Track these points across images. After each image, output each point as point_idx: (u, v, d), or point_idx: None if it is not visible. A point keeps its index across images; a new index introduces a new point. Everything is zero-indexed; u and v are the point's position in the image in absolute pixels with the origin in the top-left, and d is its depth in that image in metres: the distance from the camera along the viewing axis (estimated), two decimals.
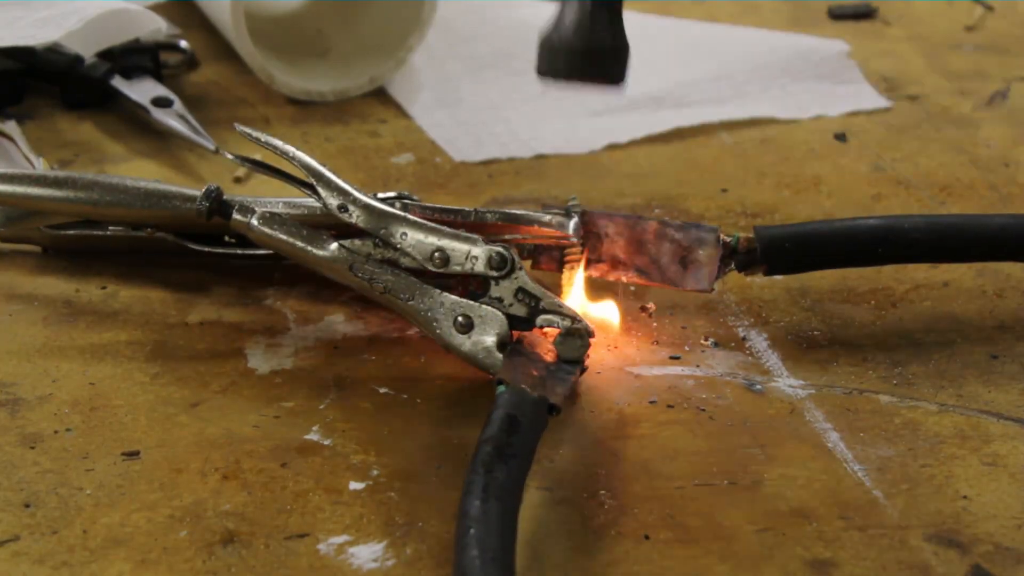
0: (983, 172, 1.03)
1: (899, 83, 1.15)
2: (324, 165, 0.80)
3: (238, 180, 0.99)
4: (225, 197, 0.82)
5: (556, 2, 0.76)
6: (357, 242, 0.79)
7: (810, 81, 1.15)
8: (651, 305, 0.86)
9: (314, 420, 0.77)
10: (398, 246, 0.79)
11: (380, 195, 0.82)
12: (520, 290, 0.79)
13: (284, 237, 0.80)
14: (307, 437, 0.76)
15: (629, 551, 0.69)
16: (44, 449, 0.75)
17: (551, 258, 0.84)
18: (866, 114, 1.11)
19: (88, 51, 1.09)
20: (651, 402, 0.79)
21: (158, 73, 1.10)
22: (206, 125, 1.03)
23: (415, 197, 0.84)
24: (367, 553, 0.69)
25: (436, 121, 1.09)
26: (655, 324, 0.85)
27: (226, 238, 0.86)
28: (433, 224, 0.79)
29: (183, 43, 1.15)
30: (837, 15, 1.26)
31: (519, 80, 1.15)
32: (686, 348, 0.83)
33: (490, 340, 0.78)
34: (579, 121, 1.08)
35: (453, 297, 0.78)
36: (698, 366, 0.82)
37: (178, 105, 1.05)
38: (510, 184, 1.01)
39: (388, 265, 0.79)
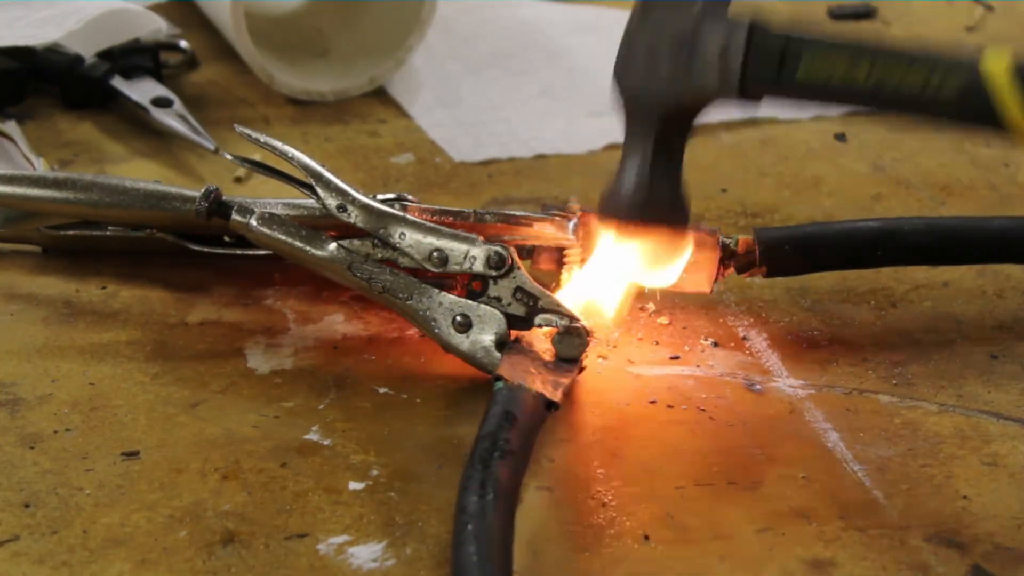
0: (983, 172, 1.03)
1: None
2: (323, 165, 0.80)
3: (238, 180, 0.99)
4: (224, 198, 0.82)
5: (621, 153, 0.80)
6: (356, 242, 0.79)
7: None
8: (650, 306, 0.86)
9: (314, 420, 0.77)
10: (397, 246, 0.79)
11: (380, 196, 0.82)
12: (519, 289, 0.79)
13: (283, 237, 0.80)
14: (307, 437, 0.76)
15: (629, 551, 0.69)
16: (44, 449, 0.75)
17: (550, 258, 0.84)
18: (866, 114, 1.11)
19: (88, 51, 1.09)
20: (651, 402, 0.79)
21: (158, 73, 1.10)
22: (206, 125, 1.03)
23: (414, 198, 0.84)
24: (367, 553, 0.69)
25: (436, 121, 1.09)
26: (655, 324, 0.85)
27: (225, 238, 0.86)
28: (431, 224, 0.79)
29: (183, 43, 1.15)
30: (837, 15, 1.26)
31: (519, 80, 1.15)
32: (686, 348, 0.83)
33: (488, 339, 0.78)
34: (579, 121, 1.08)
35: (451, 296, 0.78)
36: (698, 366, 0.82)
37: (178, 105, 1.05)
38: (510, 184, 1.01)
39: (387, 265, 0.79)
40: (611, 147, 1.05)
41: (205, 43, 1.16)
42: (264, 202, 0.82)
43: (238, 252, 0.86)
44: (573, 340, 0.78)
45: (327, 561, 0.68)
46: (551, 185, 1.01)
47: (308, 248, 0.80)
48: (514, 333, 0.78)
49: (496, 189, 1.00)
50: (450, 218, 0.81)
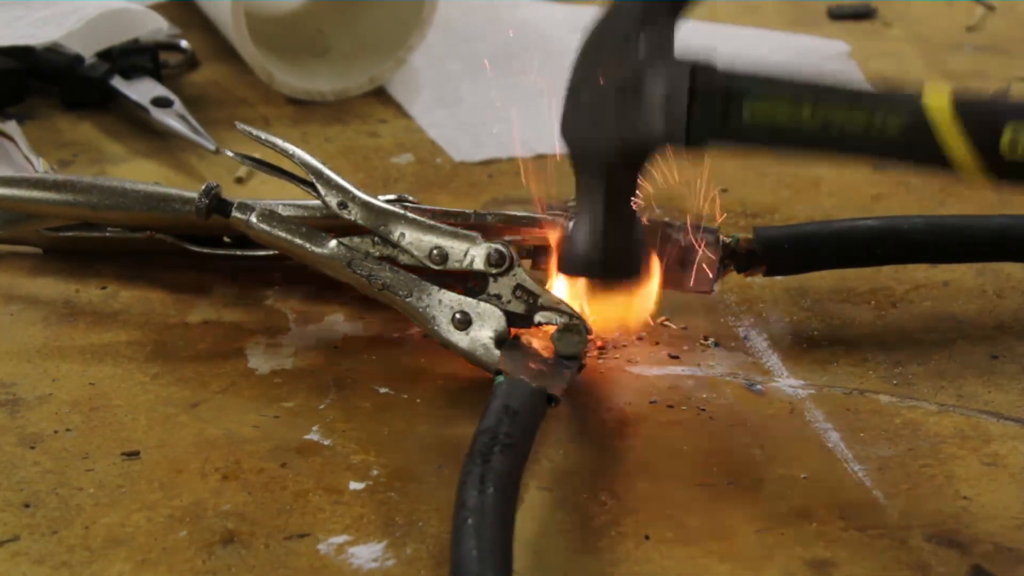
0: None
1: (899, 83, 1.15)
2: (323, 163, 0.80)
3: (239, 180, 0.99)
4: (224, 196, 0.82)
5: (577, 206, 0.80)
6: (356, 239, 0.79)
7: None
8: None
9: (314, 420, 0.77)
10: (397, 243, 0.79)
11: (381, 198, 0.82)
12: (519, 287, 0.79)
13: (283, 234, 0.80)
14: (307, 437, 0.76)
15: (630, 551, 0.69)
16: (44, 449, 0.75)
17: (551, 258, 0.84)
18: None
19: (88, 51, 1.09)
20: (651, 402, 0.79)
21: (158, 73, 1.10)
22: (206, 125, 1.03)
23: (415, 199, 0.84)
24: (367, 553, 0.69)
25: (436, 121, 1.09)
26: (655, 324, 0.85)
27: (225, 239, 0.86)
28: (432, 222, 0.79)
29: (183, 43, 1.15)
30: (837, 15, 1.26)
31: (519, 80, 1.15)
32: (686, 348, 0.83)
33: (488, 336, 0.78)
34: None
35: (451, 294, 0.78)
36: (698, 366, 0.82)
37: (178, 105, 1.05)
38: (510, 184, 1.01)
39: (387, 262, 0.79)
40: None
41: (205, 43, 1.16)
42: (265, 203, 0.82)
43: (238, 253, 0.86)
44: (572, 337, 0.78)
45: (327, 561, 0.68)
46: (551, 185, 1.00)
47: (308, 245, 0.79)
48: (514, 331, 0.79)
49: (496, 189, 1.00)
50: (451, 219, 0.81)
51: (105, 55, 1.09)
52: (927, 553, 0.69)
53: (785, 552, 0.69)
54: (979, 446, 0.76)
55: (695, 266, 0.83)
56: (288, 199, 0.83)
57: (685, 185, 1.01)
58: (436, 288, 0.79)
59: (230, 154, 0.83)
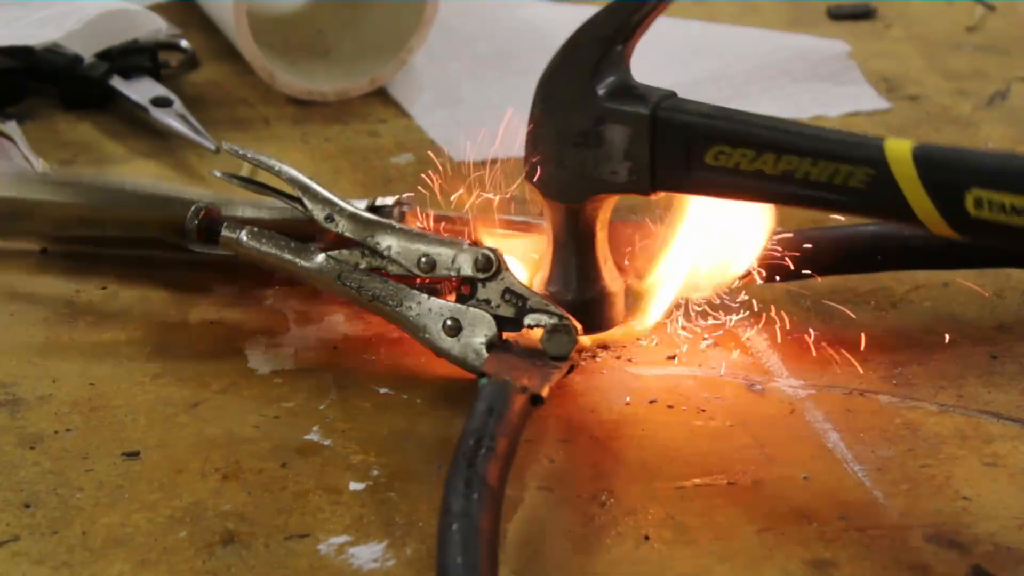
0: None
1: (899, 83, 1.15)
2: (310, 178, 0.80)
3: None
4: (215, 215, 0.82)
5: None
6: (344, 252, 0.80)
7: (810, 81, 1.15)
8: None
9: (314, 420, 0.77)
10: (385, 254, 0.79)
11: (379, 201, 0.82)
12: (507, 291, 0.79)
13: (272, 251, 0.80)
14: (307, 437, 0.76)
15: (629, 551, 0.69)
16: (44, 449, 0.75)
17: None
18: (866, 114, 1.11)
19: (88, 51, 1.09)
20: (651, 402, 0.79)
21: (157, 73, 1.10)
22: (206, 125, 1.03)
23: (413, 194, 0.84)
24: (367, 553, 0.69)
25: (436, 121, 1.09)
26: (655, 324, 0.85)
27: None
28: (418, 231, 0.80)
29: (184, 43, 1.15)
30: (837, 15, 1.26)
31: (519, 80, 1.15)
32: (686, 348, 0.83)
33: (479, 342, 0.78)
34: None
35: (441, 301, 0.79)
36: (698, 366, 0.82)
37: (178, 105, 1.05)
38: (510, 184, 1.00)
39: (376, 273, 0.79)
40: None
41: (205, 43, 1.16)
42: (257, 203, 0.83)
43: None
44: (562, 338, 0.78)
45: (327, 561, 0.68)
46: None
47: (297, 260, 0.80)
48: (504, 335, 0.79)
49: (496, 189, 1.00)
50: (448, 221, 0.81)
51: (104, 55, 1.09)
52: (927, 553, 0.69)
53: (785, 552, 0.69)
54: (979, 446, 0.76)
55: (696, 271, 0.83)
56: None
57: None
58: (425, 296, 0.79)
59: (218, 174, 0.83)
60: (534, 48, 1.20)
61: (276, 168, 0.81)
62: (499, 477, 0.68)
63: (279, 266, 0.80)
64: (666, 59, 1.14)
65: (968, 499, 0.72)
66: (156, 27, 1.12)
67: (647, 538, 0.70)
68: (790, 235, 0.85)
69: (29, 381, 0.80)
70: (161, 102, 1.05)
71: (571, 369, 0.79)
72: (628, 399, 0.79)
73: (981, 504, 0.72)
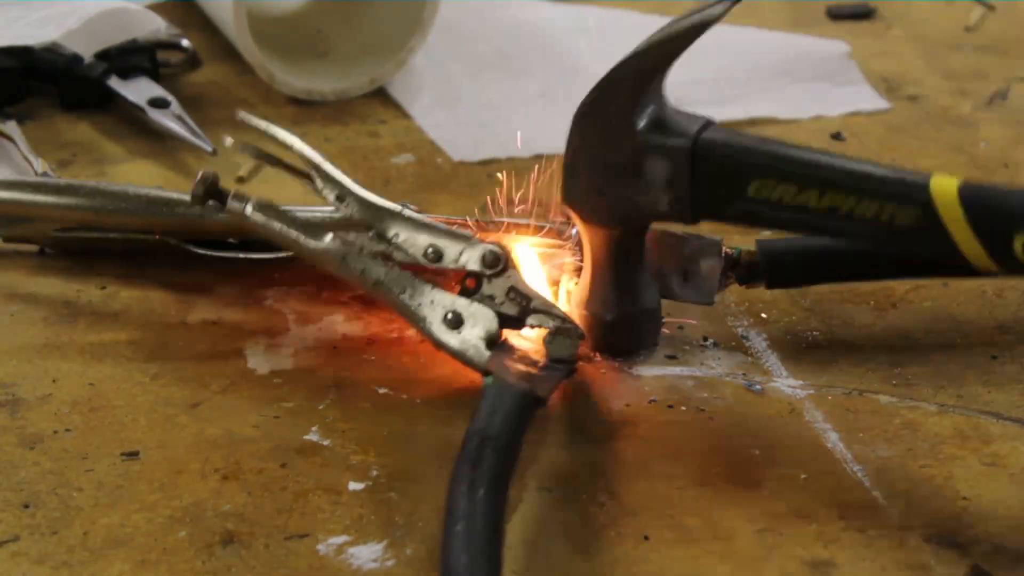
0: (983, 172, 1.02)
1: (899, 83, 1.15)
2: (323, 155, 0.80)
3: (241, 180, 0.99)
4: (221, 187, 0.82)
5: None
6: (352, 235, 0.79)
7: (810, 81, 1.15)
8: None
9: (314, 420, 0.77)
10: (392, 240, 0.79)
11: None
12: (512, 289, 0.79)
13: (279, 226, 0.79)
14: (307, 437, 0.76)
15: (629, 551, 0.69)
16: (44, 449, 0.75)
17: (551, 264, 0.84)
18: (866, 115, 1.11)
19: (88, 51, 1.09)
20: (651, 402, 0.79)
21: (155, 73, 1.10)
22: (206, 125, 1.03)
23: (416, 208, 0.84)
24: (367, 553, 0.69)
25: (436, 121, 1.09)
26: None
27: (230, 239, 0.86)
28: (427, 222, 0.79)
29: (185, 42, 1.15)
30: (837, 15, 1.26)
31: (519, 80, 1.15)
32: (686, 348, 0.83)
33: (479, 337, 0.78)
34: None
35: (444, 293, 0.78)
36: (699, 366, 0.82)
37: (175, 105, 1.05)
38: (510, 184, 1.00)
39: (382, 259, 0.79)
40: None
41: (205, 43, 1.16)
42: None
43: (240, 255, 0.86)
44: (564, 340, 0.78)
45: (327, 561, 0.68)
46: (551, 185, 1.00)
47: (303, 237, 0.79)
48: (505, 333, 0.78)
49: (496, 189, 1.00)
50: (451, 225, 0.82)
51: (103, 55, 1.09)
52: (927, 553, 0.69)
53: (785, 552, 0.69)
54: (979, 446, 0.76)
55: (697, 277, 0.83)
56: (286, 204, 0.83)
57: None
58: (429, 287, 0.78)
59: (229, 140, 0.83)
60: (534, 48, 1.20)
61: (290, 143, 0.80)
62: (503, 478, 0.68)
63: (284, 242, 0.79)
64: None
65: (968, 499, 0.72)
66: (156, 27, 1.12)
67: (647, 538, 0.70)
68: (791, 241, 0.85)
69: (29, 381, 0.80)
70: (158, 103, 1.05)
71: (573, 372, 0.79)
72: (628, 399, 0.79)
73: (981, 504, 0.72)
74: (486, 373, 0.75)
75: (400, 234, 0.79)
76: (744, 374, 0.81)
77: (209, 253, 0.87)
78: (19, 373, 0.80)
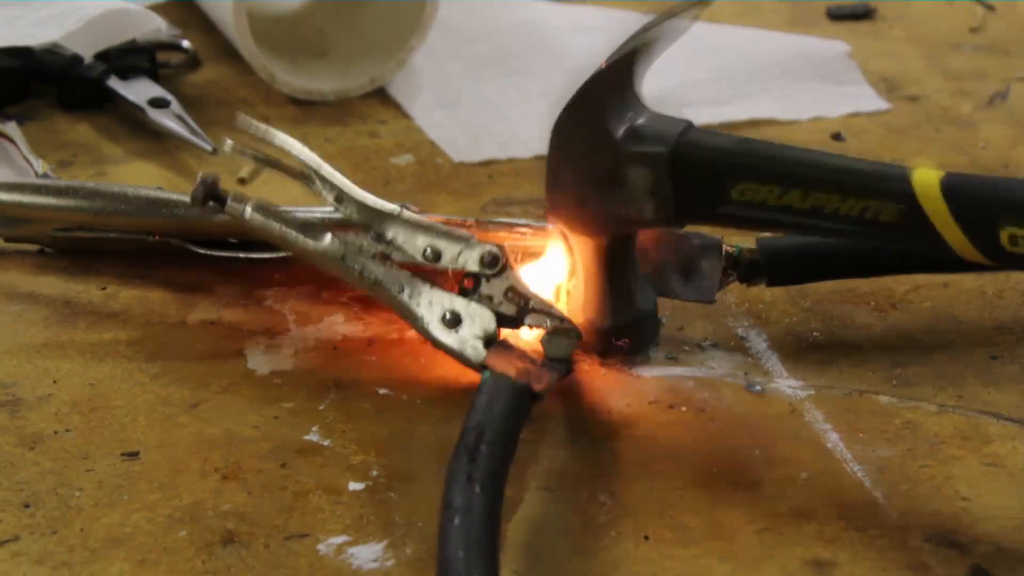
0: (983, 172, 1.02)
1: (899, 83, 1.15)
2: (321, 158, 0.80)
3: (242, 181, 0.99)
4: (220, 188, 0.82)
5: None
6: (351, 235, 0.80)
7: (810, 82, 1.15)
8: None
9: (314, 420, 0.77)
10: (391, 241, 0.79)
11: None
12: (510, 289, 0.79)
13: (278, 226, 0.80)
14: (307, 437, 0.76)
15: (629, 551, 0.69)
16: (44, 449, 0.75)
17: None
18: (866, 115, 1.11)
19: (88, 51, 1.09)
20: (651, 402, 0.79)
21: (155, 73, 1.10)
22: (206, 125, 1.03)
23: (416, 208, 0.84)
24: (367, 553, 0.69)
25: (436, 121, 1.09)
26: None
27: (230, 240, 0.86)
28: (426, 223, 0.80)
29: (185, 43, 1.15)
30: (836, 15, 1.27)
31: (519, 80, 1.15)
32: (686, 348, 0.83)
33: (477, 336, 0.78)
34: None
35: (443, 292, 0.79)
36: (699, 366, 0.82)
37: (175, 105, 1.05)
38: (510, 184, 1.01)
39: (380, 259, 0.79)
40: None
41: (205, 43, 1.16)
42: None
43: (240, 255, 0.86)
44: (562, 340, 0.78)
45: (327, 561, 0.68)
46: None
47: (303, 237, 0.80)
48: (503, 332, 0.79)
49: (496, 189, 1.00)
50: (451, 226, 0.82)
51: (102, 56, 1.09)
52: (927, 553, 0.69)
53: (785, 552, 0.69)
54: (979, 446, 0.76)
55: (698, 276, 0.83)
56: (287, 205, 0.83)
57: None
58: (428, 286, 0.79)
59: (229, 143, 0.83)
60: (534, 48, 1.21)
61: (288, 145, 0.81)
62: (500, 471, 0.68)
63: (283, 243, 0.80)
64: (666, 59, 1.14)
65: (968, 499, 0.72)
66: (156, 27, 1.12)
67: (647, 538, 0.70)
68: (792, 239, 0.85)
69: (29, 381, 0.80)
70: (158, 103, 1.05)
71: (569, 371, 0.79)
72: (628, 399, 0.79)
73: (981, 504, 0.72)
74: (483, 369, 0.75)
75: (398, 235, 0.79)
76: (744, 374, 0.81)
77: (209, 253, 0.87)
78: (19, 373, 0.80)
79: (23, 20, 1.11)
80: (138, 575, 0.67)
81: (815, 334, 0.85)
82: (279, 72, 1.09)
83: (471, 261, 0.79)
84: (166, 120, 1.04)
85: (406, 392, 0.79)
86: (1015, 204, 0.69)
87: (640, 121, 0.76)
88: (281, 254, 0.85)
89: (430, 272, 0.79)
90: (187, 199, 0.84)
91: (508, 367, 0.75)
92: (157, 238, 0.87)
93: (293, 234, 0.79)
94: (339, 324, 0.85)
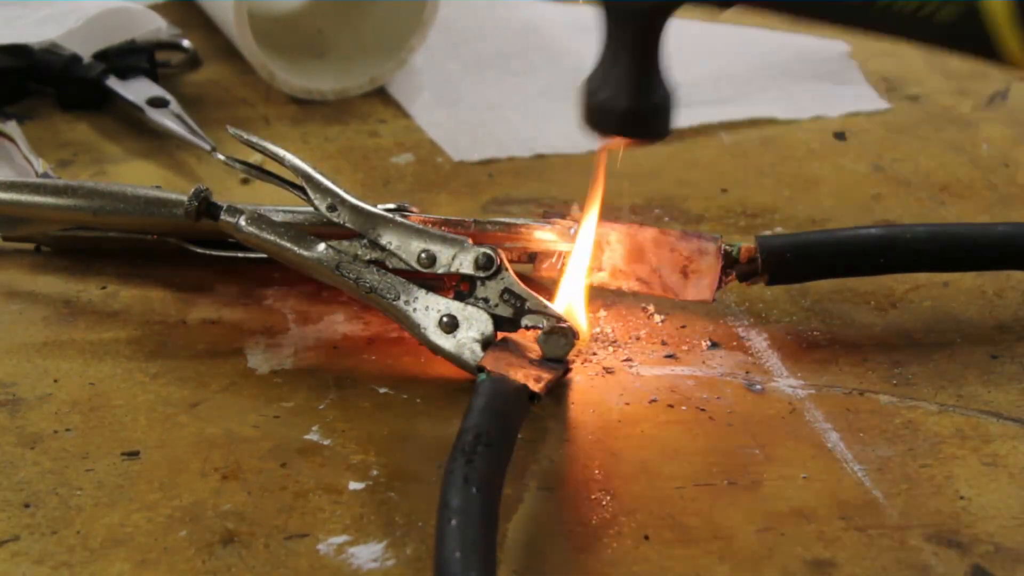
0: (983, 172, 1.03)
1: (899, 83, 1.15)
2: (313, 167, 0.80)
3: (245, 182, 0.99)
4: (213, 200, 0.82)
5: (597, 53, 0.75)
6: (345, 243, 0.80)
7: (810, 81, 1.15)
8: (650, 306, 0.86)
9: (314, 420, 0.77)
10: (385, 247, 0.79)
11: (380, 206, 0.82)
12: (506, 291, 0.79)
13: (271, 238, 0.80)
14: (307, 437, 0.76)
15: (629, 551, 0.69)
16: (44, 449, 0.75)
17: (551, 265, 0.84)
18: (866, 114, 1.11)
19: (87, 50, 1.09)
20: (651, 402, 0.79)
21: (154, 73, 1.10)
22: (206, 125, 1.03)
23: (415, 209, 0.84)
24: (367, 553, 0.69)
25: (436, 121, 1.09)
26: (655, 324, 0.85)
27: (229, 239, 0.86)
28: (419, 227, 0.80)
29: (185, 42, 1.15)
30: None
31: (519, 80, 1.16)
32: (686, 348, 0.83)
33: (474, 339, 0.78)
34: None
35: (438, 297, 0.79)
36: (699, 365, 0.82)
37: (174, 105, 1.05)
38: (510, 184, 1.01)
39: (375, 266, 0.79)
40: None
41: (205, 43, 1.16)
42: (256, 207, 0.82)
43: (240, 255, 0.86)
44: (559, 340, 0.78)
45: (327, 561, 0.68)
46: (551, 185, 1.01)
47: (297, 248, 0.80)
48: (500, 334, 0.79)
49: (496, 189, 1.00)
50: (450, 227, 0.82)
51: (101, 55, 1.09)
52: (927, 553, 0.69)
53: (785, 552, 0.69)
54: (979, 446, 0.76)
55: (697, 275, 0.83)
56: (287, 205, 0.83)
57: (686, 185, 1.01)
58: (424, 291, 0.79)
59: (221, 158, 0.83)
60: (534, 48, 1.21)
61: (280, 155, 0.81)
62: (497, 472, 0.68)
63: (277, 254, 0.80)
64: (666, 59, 1.14)
65: (968, 499, 0.72)
66: (156, 26, 1.12)
67: (647, 538, 0.70)
68: (791, 237, 0.85)
69: (29, 381, 0.80)
70: (157, 102, 1.05)
71: (568, 370, 0.79)
72: (628, 399, 0.79)
73: (981, 504, 0.72)
74: (480, 371, 0.75)
75: (393, 240, 0.79)
76: (744, 374, 0.81)
77: (209, 253, 0.87)
78: (19, 373, 0.80)
79: (22, 19, 1.11)
80: (138, 575, 0.67)
81: (815, 333, 0.85)
82: (279, 71, 1.09)
83: (466, 264, 0.79)
84: (165, 120, 1.04)
85: (406, 391, 0.79)
86: None
87: None
88: None
89: (426, 277, 0.79)
90: (185, 199, 0.84)
91: (505, 368, 0.75)
92: (155, 237, 0.87)
93: (287, 245, 0.80)
94: (339, 323, 0.85)
